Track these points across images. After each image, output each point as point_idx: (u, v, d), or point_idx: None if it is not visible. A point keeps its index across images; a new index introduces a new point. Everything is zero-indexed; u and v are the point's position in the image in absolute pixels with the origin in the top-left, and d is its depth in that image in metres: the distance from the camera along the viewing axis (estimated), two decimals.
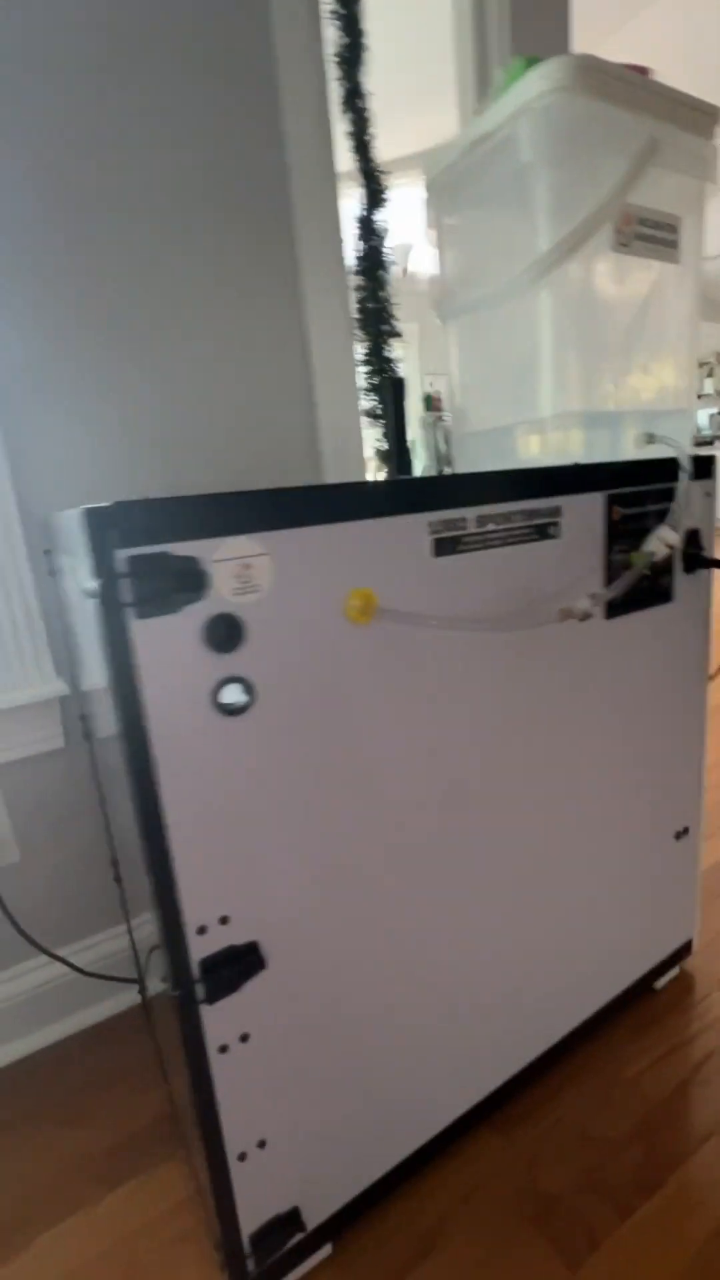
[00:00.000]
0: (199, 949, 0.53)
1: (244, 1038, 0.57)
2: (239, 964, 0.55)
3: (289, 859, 0.57)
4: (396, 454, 0.86)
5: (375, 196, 1.03)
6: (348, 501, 0.54)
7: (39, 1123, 0.85)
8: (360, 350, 1.09)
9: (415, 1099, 0.72)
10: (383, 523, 0.56)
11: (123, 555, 0.45)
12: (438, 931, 0.68)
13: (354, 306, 1.07)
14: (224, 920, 0.54)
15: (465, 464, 0.90)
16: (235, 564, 0.49)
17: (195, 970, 0.53)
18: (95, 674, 0.58)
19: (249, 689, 0.52)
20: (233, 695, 0.51)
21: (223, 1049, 0.56)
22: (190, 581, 0.47)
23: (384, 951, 0.65)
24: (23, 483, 0.87)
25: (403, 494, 0.57)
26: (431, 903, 0.67)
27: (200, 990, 0.53)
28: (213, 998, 0.54)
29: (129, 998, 1.04)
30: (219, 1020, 0.55)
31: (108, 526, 0.44)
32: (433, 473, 1.00)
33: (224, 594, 0.49)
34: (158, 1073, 0.91)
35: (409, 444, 1.15)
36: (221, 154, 0.93)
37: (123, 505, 0.44)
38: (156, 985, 0.91)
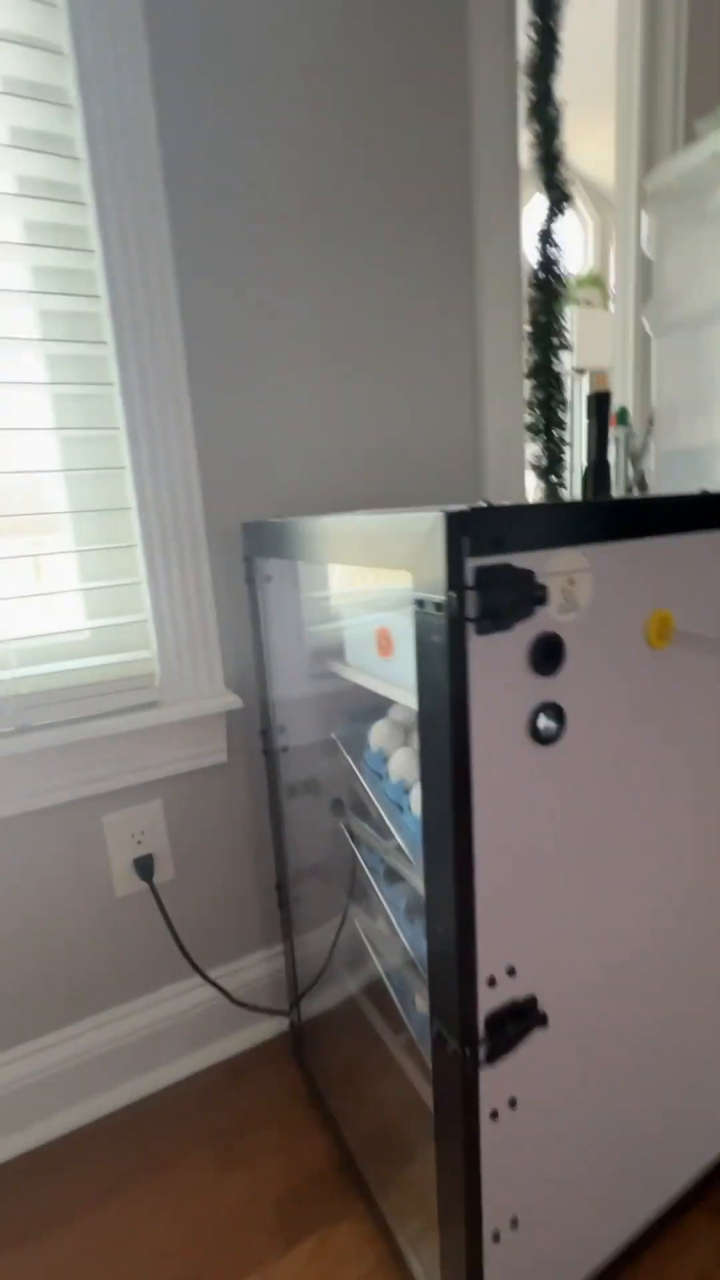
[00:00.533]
0: (486, 1002, 0.48)
1: (513, 1103, 0.51)
2: (522, 1020, 0.50)
3: (573, 904, 0.52)
4: (596, 471, 0.82)
5: (558, 207, 1.00)
6: (660, 515, 0.50)
7: (197, 1163, 0.80)
8: (527, 363, 1.05)
9: (642, 1174, 0.65)
10: (684, 539, 0.52)
11: (472, 565, 0.41)
12: (689, 992, 0.62)
13: (526, 319, 1.03)
14: (511, 972, 0.49)
15: (668, 482, 0.86)
16: (562, 579, 0.45)
17: (481, 1026, 0.48)
18: (382, 691, 0.54)
19: (559, 716, 0.47)
20: (546, 722, 0.46)
21: (493, 1115, 0.50)
22: (529, 596, 0.43)
23: (644, 1008, 0.59)
24: (208, 491, 0.84)
25: (712, 509, 0.52)
26: (687, 957, 0.61)
27: (483, 1050, 0.48)
28: (493, 1057, 0.49)
29: (268, 1028, 0.99)
30: (494, 1083, 0.50)
31: (463, 533, 0.40)
32: (622, 491, 0.96)
33: (551, 611, 0.45)
34: (313, 1112, 0.85)
35: (563, 460, 1.11)
36: (409, 158, 0.91)
37: (476, 511, 0.40)
38: (308, 1013, 0.86)
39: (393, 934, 0.75)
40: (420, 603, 0.43)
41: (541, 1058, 0.52)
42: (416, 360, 0.97)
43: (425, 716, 0.45)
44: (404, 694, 0.63)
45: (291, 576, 0.79)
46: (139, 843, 0.87)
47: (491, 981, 0.48)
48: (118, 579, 0.82)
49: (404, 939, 0.72)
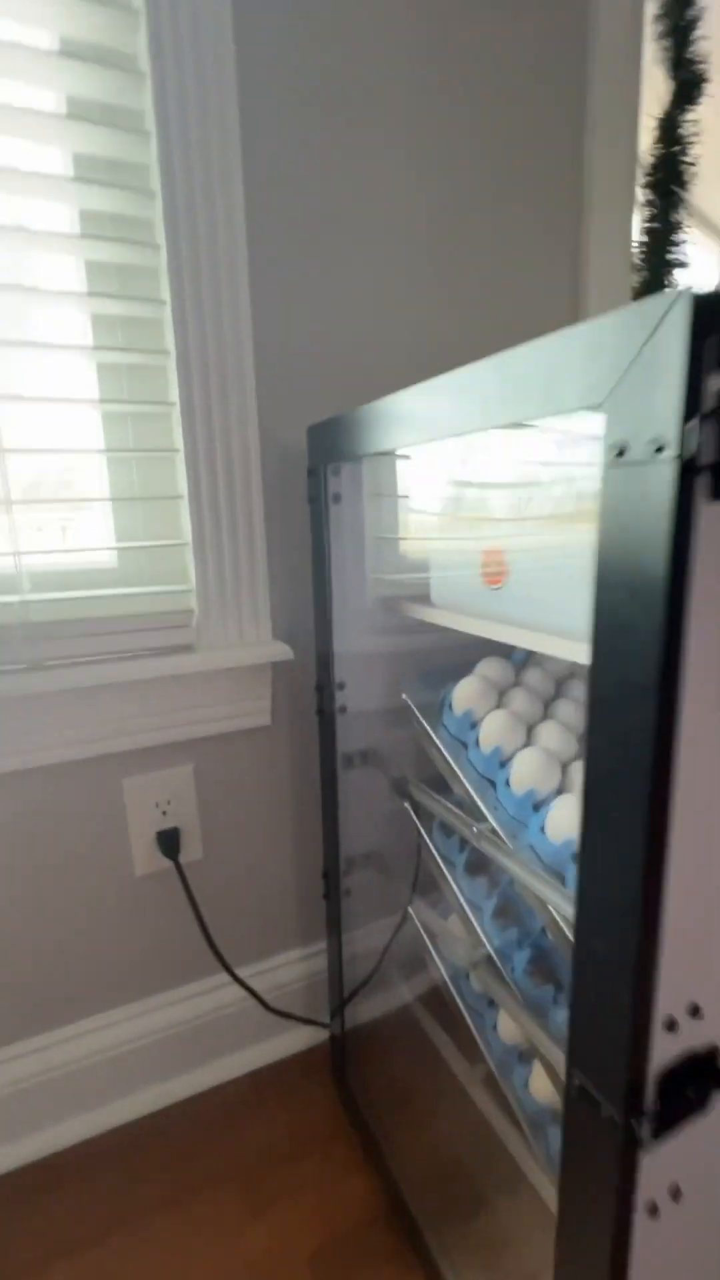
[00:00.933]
0: (661, 1053, 0.33)
1: (675, 1193, 0.37)
2: (703, 1080, 0.35)
3: None
4: None
5: (686, 92, 0.85)
6: None
7: (218, 1201, 0.67)
8: (634, 284, 0.90)
9: None
10: None
11: (716, 386, 0.26)
12: None
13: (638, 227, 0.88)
14: (695, 1012, 0.34)
15: None
16: None
17: (652, 1087, 0.34)
18: (485, 632, 0.40)
19: None
20: None
21: (651, 1210, 0.36)
22: None
23: None
24: (264, 391, 0.70)
25: None
26: None
27: (645, 1124, 0.34)
28: (662, 1129, 0.34)
29: (303, 1038, 0.85)
30: (656, 1164, 0.35)
31: (708, 331, 0.25)
32: None
33: None
34: (356, 1144, 0.72)
35: None
36: (519, 27, 0.77)
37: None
38: (336, 1023, 0.72)
39: (470, 938, 0.61)
40: (620, 451, 0.28)
41: (714, 1131, 0.38)
42: (511, 266, 0.82)
43: (611, 632, 0.30)
44: (518, 634, 0.48)
45: (365, 495, 0.65)
46: (164, 813, 0.74)
47: (671, 1024, 0.33)
48: (153, 493, 0.69)
49: (489, 946, 0.58)
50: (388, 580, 0.71)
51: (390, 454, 0.69)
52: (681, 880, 0.31)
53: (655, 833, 0.30)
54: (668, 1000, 0.33)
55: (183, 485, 0.67)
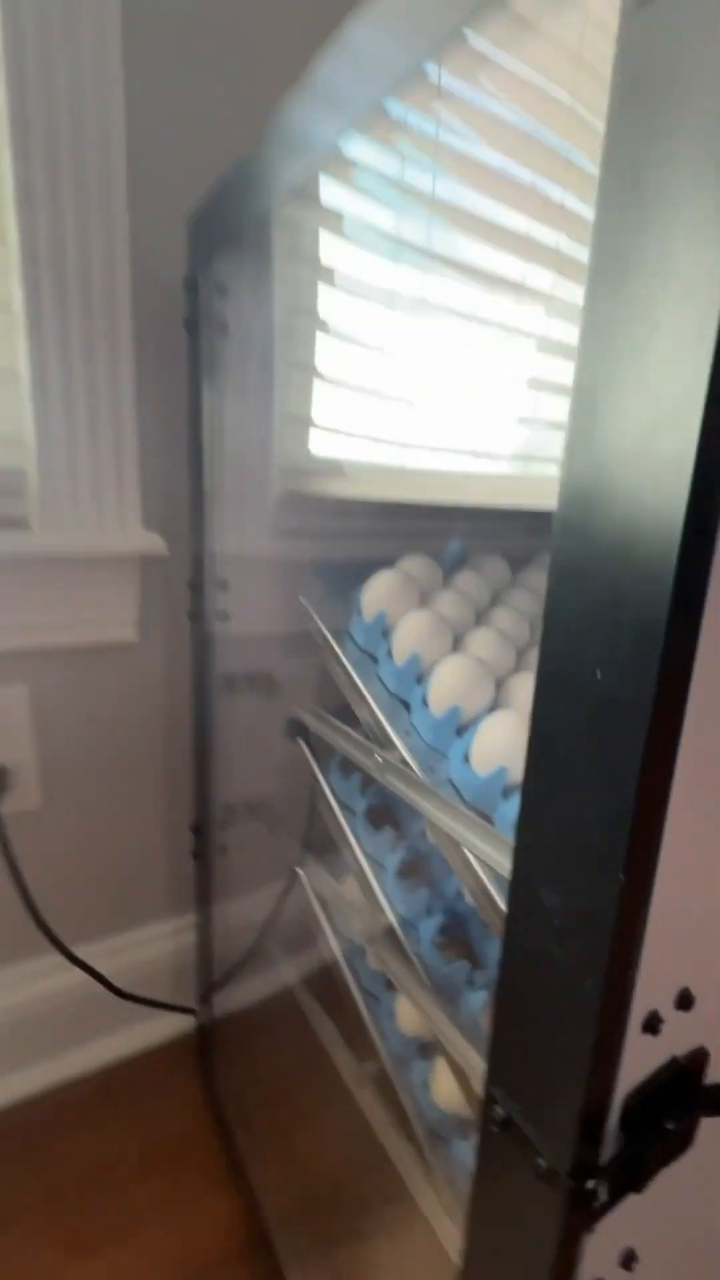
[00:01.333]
0: (635, 1065, 0.21)
1: (628, 1261, 0.25)
2: (690, 1103, 0.23)
3: None
4: None
5: None
6: None
7: (37, 1235, 0.52)
8: None
9: None
10: None
11: None
12: None
13: None
14: (685, 1001, 0.22)
15: None
16: None
17: (616, 1117, 0.21)
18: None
19: None
20: None
21: None
22: None
23: None
24: (139, 187, 0.53)
25: None
26: None
27: (604, 1183, 0.21)
28: (625, 1188, 0.22)
29: (165, 1027, 0.71)
30: (608, 1229, 0.23)
31: None
32: None
33: None
34: (219, 1157, 0.58)
35: None
36: None
37: None
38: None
39: (370, 903, 0.48)
40: None
41: (684, 1171, 0.26)
42: None
43: (608, 377, 0.17)
44: (469, 486, 0.35)
45: (266, 316, 0.49)
46: None
47: (652, 1024, 0.21)
48: None
49: (391, 915, 0.45)
50: (295, 471, 0.56)
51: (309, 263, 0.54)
52: (691, 795, 0.19)
53: (655, 767, 0.17)
54: (653, 985, 0.20)
55: (18, 298, 0.49)
